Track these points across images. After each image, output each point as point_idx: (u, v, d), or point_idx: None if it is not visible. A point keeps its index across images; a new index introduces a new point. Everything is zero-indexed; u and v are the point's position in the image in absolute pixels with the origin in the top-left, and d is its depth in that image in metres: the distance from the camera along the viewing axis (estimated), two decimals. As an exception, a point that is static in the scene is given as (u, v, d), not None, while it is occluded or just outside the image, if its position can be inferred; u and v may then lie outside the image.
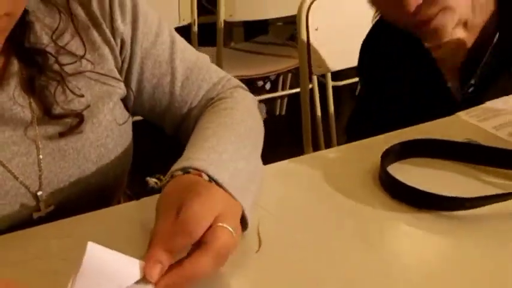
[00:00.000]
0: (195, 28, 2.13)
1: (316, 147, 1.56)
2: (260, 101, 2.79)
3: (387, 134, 0.83)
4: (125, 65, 0.76)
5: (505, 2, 1.00)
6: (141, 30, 0.76)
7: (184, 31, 2.17)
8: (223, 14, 2.12)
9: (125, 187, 0.89)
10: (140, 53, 0.76)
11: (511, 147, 0.79)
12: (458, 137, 0.82)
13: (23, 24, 0.64)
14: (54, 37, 0.67)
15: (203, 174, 0.56)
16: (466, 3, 0.95)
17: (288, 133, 2.64)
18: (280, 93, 2.79)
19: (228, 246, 0.51)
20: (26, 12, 0.64)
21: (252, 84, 2.83)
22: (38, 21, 0.67)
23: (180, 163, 0.58)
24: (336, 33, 1.53)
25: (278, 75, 2.74)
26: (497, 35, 0.98)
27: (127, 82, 0.77)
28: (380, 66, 1.15)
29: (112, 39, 0.73)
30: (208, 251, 0.49)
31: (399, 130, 0.85)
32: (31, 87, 0.67)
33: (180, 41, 0.82)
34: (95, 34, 0.72)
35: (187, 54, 0.81)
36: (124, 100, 0.78)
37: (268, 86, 2.93)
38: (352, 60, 1.30)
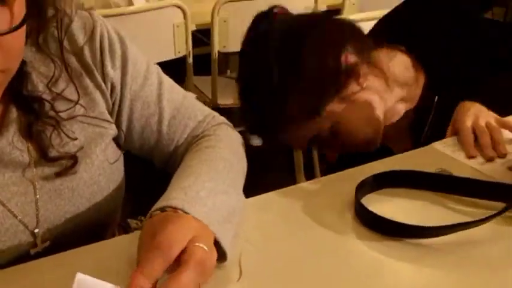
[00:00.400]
0: (190, 60, 2.20)
1: (309, 174, 1.61)
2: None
3: (363, 165, 0.88)
4: (116, 107, 0.81)
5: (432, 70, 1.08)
6: (130, 74, 0.81)
7: (180, 62, 2.24)
8: (217, 46, 2.19)
9: (118, 220, 0.94)
10: (129, 96, 0.81)
11: (481, 177, 0.84)
12: (432, 167, 0.87)
13: (21, 74, 0.69)
14: (49, 85, 0.72)
15: (179, 211, 0.61)
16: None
17: (282, 158, 2.70)
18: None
19: (205, 260, 0.55)
20: (23, 63, 0.69)
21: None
22: (34, 70, 0.73)
23: (159, 203, 0.63)
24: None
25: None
26: (436, 98, 1.06)
27: (118, 122, 0.82)
28: None
29: (103, 84, 0.78)
30: (187, 265, 0.53)
31: (375, 161, 0.90)
32: (29, 133, 0.72)
33: (168, 82, 0.87)
34: (87, 80, 0.77)
35: (174, 94, 0.86)
36: (116, 138, 0.83)
37: (264, 112, 2.98)
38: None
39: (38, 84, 0.72)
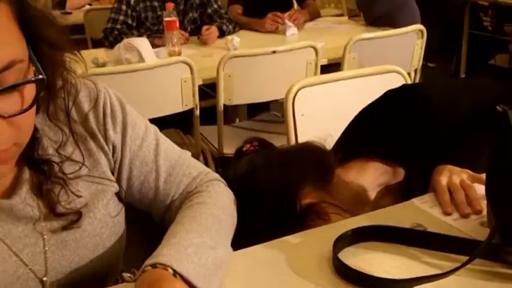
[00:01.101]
0: (197, 112, 2.30)
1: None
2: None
3: (345, 220, 0.96)
4: (117, 166, 0.90)
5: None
6: (129, 136, 0.90)
7: (189, 112, 2.34)
8: (223, 99, 2.30)
9: (121, 267, 1.02)
10: (129, 155, 0.90)
11: (455, 232, 0.91)
12: (408, 222, 0.94)
13: (33, 140, 0.78)
14: (58, 150, 0.82)
15: (168, 268, 0.69)
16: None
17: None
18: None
19: None
20: (35, 130, 0.79)
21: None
22: (45, 136, 0.82)
23: (150, 259, 0.71)
24: (320, 119, 1.68)
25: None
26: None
27: (119, 179, 0.91)
28: None
29: (105, 146, 0.88)
30: None
31: (357, 216, 0.97)
32: (39, 191, 0.81)
33: (164, 141, 0.96)
34: (91, 143, 0.86)
35: (170, 153, 0.95)
36: (117, 193, 0.92)
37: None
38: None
39: (48, 148, 0.82)
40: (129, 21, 2.93)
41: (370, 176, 1.12)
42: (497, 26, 4.26)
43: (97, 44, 3.90)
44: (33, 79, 0.70)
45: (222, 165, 2.83)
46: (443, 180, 1.00)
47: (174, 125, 2.67)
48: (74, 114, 0.85)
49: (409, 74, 2.65)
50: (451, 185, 0.99)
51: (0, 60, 0.64)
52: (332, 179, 1.07)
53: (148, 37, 2.77)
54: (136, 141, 0.91)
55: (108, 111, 0.88)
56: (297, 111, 1.67)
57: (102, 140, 0.87)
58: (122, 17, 2.91)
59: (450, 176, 1.01)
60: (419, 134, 1.12)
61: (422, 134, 1.12)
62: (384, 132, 1.16)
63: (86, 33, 3.91)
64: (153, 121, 2.48)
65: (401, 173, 1.15)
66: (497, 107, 0.80)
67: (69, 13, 4.43)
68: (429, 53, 4.01)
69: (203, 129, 2.51)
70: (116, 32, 2.86)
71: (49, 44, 0.74)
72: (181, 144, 2.53)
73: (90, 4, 4.64)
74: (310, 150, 1.14)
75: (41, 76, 0.70)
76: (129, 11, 2.93)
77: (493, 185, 0.81)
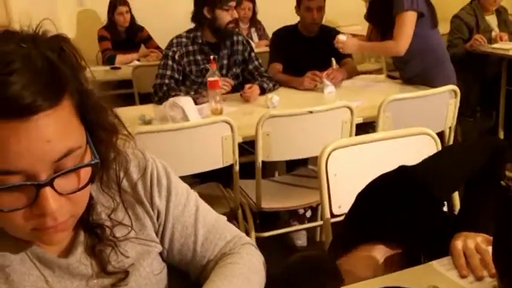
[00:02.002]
0: (237, 168, 2.42)
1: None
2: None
3: (365, 281, 1.04)
4: (160, 229, 1.02)
5: None
6: (173, 203, 1.02)
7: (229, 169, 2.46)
8: (261, 156, 2.41)
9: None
10: (172, 220, 1.02)
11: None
12: (425, 284, 1.02)
13: (88, 206, 0.90)
14: (110, 215, 0.94)
15: None
16: None
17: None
18: (319, 222, 2.97)
19: None
20: (90, 197, 0.91)
21: (293, 212, 3.07)
22: (98, 202, 0.94)
23: None
24: (352, 179, 1.77)
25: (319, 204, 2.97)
26: None
27: (161, 241, 1.02)
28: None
29: (151, 211, 0.99)
30: None
31: (374, 278, 1.05)
32: (92, 252, 0.92)
33: (203, 207, 1.07)
34: (139, 209, 0.98)
35: (208, 218, 1.06)
36: (160, 253, 1.03)
37: (309, 213, 3.14)
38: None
39: (101, 213, 0.94)
40: (176, 76, 3.10)
41: (375, 261, 1.20)
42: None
43: (144, 98, 4.12)
44: (88, 163, 0.82)
45: (260, 218, 2.94)
46: (459, 244, 1.08)
47: (215, 178, 2.79)
48: (124, 183, 0.97)
49: (443, 132, 2.74)
50: (467, 250, 1.07)
51: (60, 150, 0.76)
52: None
53: (194, 91, 2.95)
54: (178, 207, 1.02)
55: (155, 180, 1.00)
56: (330, 171, 1.76)
57: (148, 205, 0.99)
58: (169, 72, 3.09)
59: (465, 240, 1.08)
60: (418, 216, 1.20)
61: (419, 215, 1.20)
62: (384, 217, 1.24)
63: (133, 87, 4.14)
64: (195, 175, 2.60)
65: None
66: (502, 181, 0.88)
67: (119, 68, 4.68)
68: (469, 108, 4.08)
69: (243, 183, 2.62)
70: (164, 88, 3.03)
71: (104, 129, 0.86)
72: (221, 198, 2.66)
73: (138, 60, 4.88)
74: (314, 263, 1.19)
75: (95, 160, 0.83)
76: (175, 66, 3.11)
77: (499, 254, 0.88)
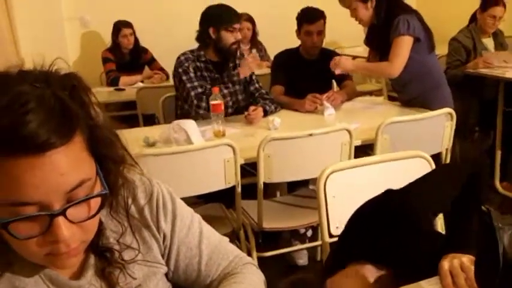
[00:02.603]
0: (239, 189, 2.48)
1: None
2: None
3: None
4: (166, 251, 1.08)
5: None
6: (178, 226, 1.08)
7: (231, 189, 2.52)
8: (263, 177, 2.48)
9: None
10: (177, 242, 1.08)
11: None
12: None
13: (98, 231, 0.96)
14: (119, 240, 1.00)
15: None
16: None
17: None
18: (319, 242, 3.02)
19: None
20: (100, 223, 0.97)
21: (294, 232, 3.12)
22: (107, 227, 1.01)
23: None
24: (350, 200, 1.82)
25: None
26: None
27: (167, 262, 1.09)
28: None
29: (157, 234, 1.05)
30: None
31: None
32: (102, 274, 0.98)
33: (206, 229, 1.13)
34: (145, 233, 1.04)
35: (211, 239, 1.12)
36: (166, 274, 1.09)
37: (309, 233, 3.19)
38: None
39: (110, 237, 1.00)
40: (202, 83, 3.18)
41: (364, 281, 1.26)
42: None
43: (148, 119, 4.21)
44: (98, 194, 0.88)
45: (262, 237, 2.99)
46: (446, 265, 1.14)
47: (219, 199, 2.84)
48: (132, 209, 1.03)
49: (440, 153, 2.80)
50: (453, 269, 1.13)
51: (72, 182, 0.82)
52: None
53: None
54: (183, 230, 1.08)
55: (161, 204, 1.06)
56: (329, 193, 1.83)
57: (154, 229, 1.05)
58: (196, 83, 3.16)
59: (452, 260, 1.14)
60: (405, 238, 1.26)
61: (407, 237, 1.26)
62: (372, 240, 1.30)
63: (137, 109, 4.21)
64: (199, 196, 2.65)
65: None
66: (483, 207, 0.94)
67: (123, 89, 4.76)
68: (467, 129, 4.14)
69: (245, 204, 2.67)
70: (203, 96, 3.08)
71: (113, 160, 0.93)
72: (224, 218, 2.72)
73: (142, 81, 4.97)
74: None
75: (105, 191, 0.89)
76: (197, 75, 3.19)
77: (480, 273, 0.94)
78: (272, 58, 5.11)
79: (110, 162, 0.92)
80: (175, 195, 1.11)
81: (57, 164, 0.80)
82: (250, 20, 5.17)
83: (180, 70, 3.18)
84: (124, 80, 4.90)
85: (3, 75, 0.85)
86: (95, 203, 0.88)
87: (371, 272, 1.27)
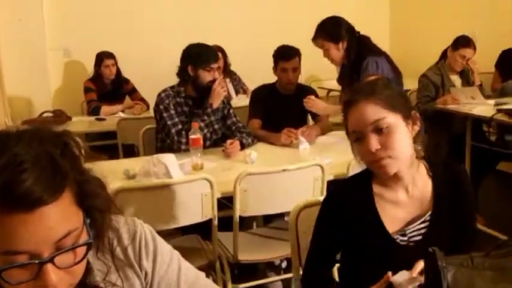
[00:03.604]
0: (215, 222, 2.57)
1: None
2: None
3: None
4: (147, 287, 1.18)
5: None
6: (158, 263, 1.18)
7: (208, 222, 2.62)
8: (238, 211, 2.58)
9: None
10: (157, 279, 1.18)
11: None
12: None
13: (85, 271, 1.05)
14: (104, 278, 1.10)
15: None
16: None
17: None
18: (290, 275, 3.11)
19: None
20: (87, 262, 1.06)
21: (270, 263, 3.21)
22: (94, 267, 1.10)
23: None
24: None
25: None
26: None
27: None
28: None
29: (139, 272, 1.15)
30: None
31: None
32: None
33: (185, 266, 1.23)
34: (129, 271, 1.14)
35: (189, 275, 1.22)
36: None
37: (284, 264, 3.28)
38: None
39: (96, 276, 1.09)
40: (182, 119, 3.31)
41: None
42: (500, 136, 4.54)
43: (127, 148, 4.30)
44: (84, 243, 0.97)
45: (238, 268, 3.08)
46: None
47: (195, 230, 2.93)
48: (116, 249, 1.13)
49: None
50: None
51: (61, 233, 0.92)
52: None
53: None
54: (163, 267, 1.18)
55: (143, 244, 1.16)
56: (300, 228, 1.93)
57: (137, 267, 1.15)
58: (177, 119, 3.30)
59: None
60: None
61: None
62: None
63: (117, 139, 4.30)
64: (176, 228, 2.74)
65: None
66: (429, 248, 1.06)
67: (104, 119, 4.85)
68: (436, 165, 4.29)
69: (221, 236, 2.76)
70: (183, 132, 3.21)
71: (99, 211, 1.03)
72: (200, 250, 2.81)
73: (122, 111, 5.07)
74: None
75: (90, 240, 0.98)
76: (177, 112, 3.32)
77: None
78: (249, 87, 5.29)
79: (96, 212, 1.02)
80: (156, 234, 1.22)
81: (47, 219, 0.89)
82: (221, 50, 5.28)
83: (161, 107, 3.31)
84: (105, 109, 4.99)
85: (2, 135, 0.94)
86: (81, 250, 0.97)
87: None
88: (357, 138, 1.51)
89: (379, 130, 1.47)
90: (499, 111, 3.81)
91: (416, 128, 1.56)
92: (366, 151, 1.48)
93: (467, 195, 1.61)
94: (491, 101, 4.21)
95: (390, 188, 1.58)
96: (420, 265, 1.26)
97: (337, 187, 1.69)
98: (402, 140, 1.49)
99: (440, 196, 1.57)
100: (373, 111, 1.48)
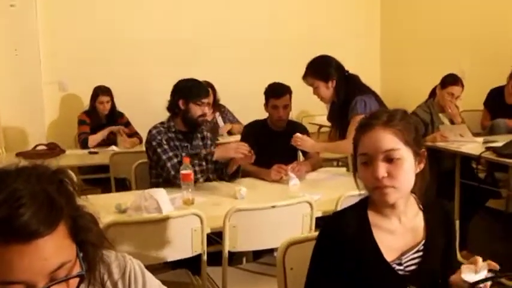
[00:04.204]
0: (205, 257, 2.59)
1: None
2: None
3: None
4: None
5: None
6: None
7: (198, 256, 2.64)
8: (228, 246, 2.61)
9: None
10: None
11: None
12: None
13: None
14: None
15: None
16: None
17: None
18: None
19: None
20: None
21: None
22: None
23: None
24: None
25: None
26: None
27: None
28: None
29: None
30: None
31: None
32: None
33: None
34: None
35: None
36: None
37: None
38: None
39: None
40: (177, 153, 3.36)
41: None
42: (489, 174, 4.61)
43: (119, 182, 4.33)
44: (77, 274, 1.02)
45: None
46: None
47: (185, 265, 2.94)
48: (107, 283, 1.17)
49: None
50: None
51: (55, 264, 0.97)
52: None
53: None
54: None
55: (132, 278, 1.21)
56: (287, 265, 1.96)
57: None
58: (171, 153, 3.33)
59: None
60: None
61: None
62: None
63: (110, 172, 4.34)
64: (165, 263, 2.76)
65: None
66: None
67: (96, 153, 4.89)
68: (426, 198, 4.33)
69: (211, 270, 2.78)
70: (178, 166, 3.22)
71: (91, 245, 1.08)
72: (190, 285, 2.82)
73: (115, 144, 5.09)
74: None
75: (82, 272, 1.03)
76: (169, 147, 3.37)
77: None
78: (238, 118, 5.37)
79: (89, 246, 1.07)
80: (145, 269, 1.26)
81: (43, 250, 0.94)
82: (211, 86, 5.37)
83: (154, 143, 3.36)
84: (91, 138, 5.05)
85: (2, 172, 1.01)
86: (74, 281, 1.01)
87: None
88: (365, 162, 1.56)
89: (390, 159, 1.53)
90: (487, 149, 3.88)
91: (422, 166, 1.61)
92: (372, 176, 1.53)
93: (453, 231, 1.71)
94: (480, 139, 4.28)
95: (385, 217, 1.62)
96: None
97: (333, 219, 1.72)
98: (408, 174, 1.54)
99: (431, 227, 1.65)
100: (390, 141, 1.54)
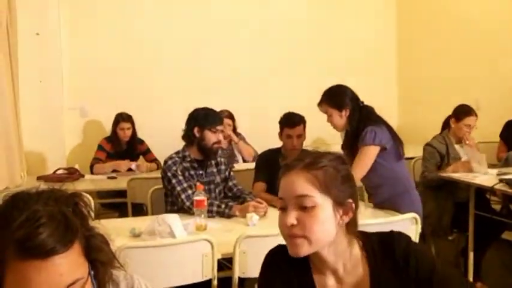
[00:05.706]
0: (215, 282, 2.63)
1: None
2: None
3: None
4: None
5: None
6: None
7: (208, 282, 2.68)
8: (237, 272, 2.65)
9: None
10: None
11: None
12: None
13: None
14: None
15: None
16: None
17: None
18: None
19: None
20: None
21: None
22: None
23: None
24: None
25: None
26: None
27: None
28: None
29: None
30: None
31: None
32: None
33: None
34: None
35: None
36: None
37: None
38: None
39: None
40: (191, 183, 3.43)
41: None
42: (505, 205, 4.59)
43: (136, 207, 4.41)
44: None
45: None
46: None
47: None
48: None
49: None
50: None
51: (69, 281, 1.06)
52: None
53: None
54: None
55: None
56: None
57: None
58: (185, 184, 3.41)
59: None
60: None
61: None
62: None
63: (127, 197, 4.42)
64: (176, 287, 2.80)
65: None
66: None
67: (115, 178, 4.97)
68: (442, 229, 4.33)
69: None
70: (192, 197, 3.27)
71: (102, 264, 1.16)
72: (200, 310, 2.85)
73: (133, 169, 5.15)
74: None
75: None
76: (184, 177, 3.44)
77: None
78: (253, 146, 5.44)
79: (100, 264, 1.16)
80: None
81: (58, 267, 1.04)
82: (231, 116, 5.50)
83: (169, 174, 3.44)
84: (98, 166, 5.12)
85: (24, 194, 1.11)
86: None
87: None
88: (281, 207, 1.43)
89: (303, 207, 1.38)
90: (501, 181, 3.88)
91: (346, 218, 1.42)
92: (283, 223, 1.41)
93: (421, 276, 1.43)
94: (494, 170, 4.27)
95: (322, 274, 1.49)
96: None
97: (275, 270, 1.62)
98: (323, 225, 1.38)
99: (379, 280, 1.45)
100: (303, 186, 1.39)
